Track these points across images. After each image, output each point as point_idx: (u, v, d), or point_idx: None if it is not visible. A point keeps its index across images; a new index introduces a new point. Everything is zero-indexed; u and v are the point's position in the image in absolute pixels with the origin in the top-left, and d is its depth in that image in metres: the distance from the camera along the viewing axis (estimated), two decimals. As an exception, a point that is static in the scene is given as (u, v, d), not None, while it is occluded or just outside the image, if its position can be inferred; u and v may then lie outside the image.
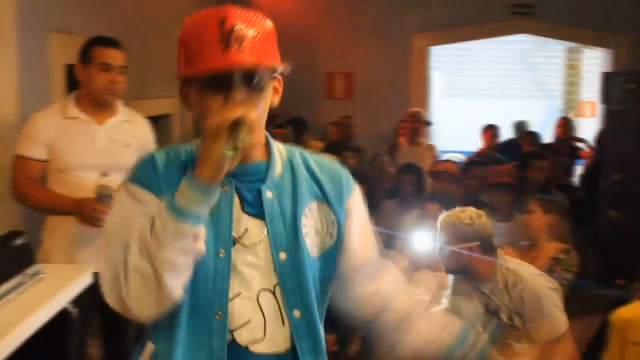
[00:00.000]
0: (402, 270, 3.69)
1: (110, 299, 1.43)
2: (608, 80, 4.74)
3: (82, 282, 2.55)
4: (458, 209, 3.27)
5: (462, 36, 8.17)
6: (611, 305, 3.57)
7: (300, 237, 1.52)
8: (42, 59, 3.66)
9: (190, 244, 1.37)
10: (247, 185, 1.53)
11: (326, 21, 7.44)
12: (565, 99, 12.50)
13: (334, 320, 3.41)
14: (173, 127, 5.74)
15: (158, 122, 5.58)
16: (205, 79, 1.41)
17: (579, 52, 12.27)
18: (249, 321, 1.51)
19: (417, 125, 6.32)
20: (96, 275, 2.73)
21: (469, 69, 12.67)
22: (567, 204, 5.04)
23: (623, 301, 3.60)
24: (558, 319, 3.14)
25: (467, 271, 3.20)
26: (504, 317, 3.12)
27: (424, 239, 3.75)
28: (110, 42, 3.12)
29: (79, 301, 2.54)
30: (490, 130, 7.17)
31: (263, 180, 1.53)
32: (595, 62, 11.00)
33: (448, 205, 3.93)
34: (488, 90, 12.72)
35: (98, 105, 3.12)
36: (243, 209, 1.52)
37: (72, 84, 3.31)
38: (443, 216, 3.26)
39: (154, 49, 5.26)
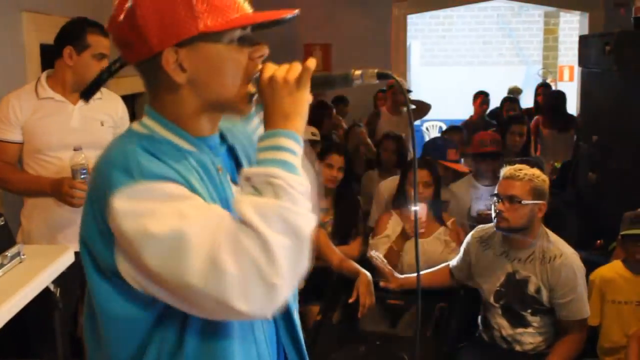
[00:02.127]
0: (388, 238, 3.72)
1: (252, 296, 1.14)
2: (585, 42, 4.76)
3: (64, 261, 2.55)
4: (523, 165, 3.21)
5: (439, 3, 8.16)
6: (591, 266, 3.62)
7: None
8: (16, 38, 3.61)
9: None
10: (222, 157, 1.41)
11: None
12: (544, 63, 12.55)
13: (317, 292, 3.46)
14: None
15: (136, 100, 5.55)
16: (244, 32, 1.29)
17: (556, 17, 12.29)
18: None
19: (398, 94, 6.32)
20: (77, 255, 2.73)
21: (447, 36, 12.69)
22: (544, 166, 5.11)
23: (602, 261, 3.66)
24: (585, 302, 3.17)
25: (525, 230, 3.13)
26: (531, 288, 3.12)
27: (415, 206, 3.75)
28: (103, 30, 3.05)
29: (61, 280, 2.55)
30: (480, 97, 7.22)
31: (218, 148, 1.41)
32: (572, 25, 11.05)
33: (436, 172, 3.94)
34: (467, 58, 12.75)
35: (75, 87, 3.09)
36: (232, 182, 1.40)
37: (47, 63, 3.25)
38: (514, 168, 3.16)
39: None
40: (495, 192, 3.16)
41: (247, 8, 1.30)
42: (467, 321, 3.39)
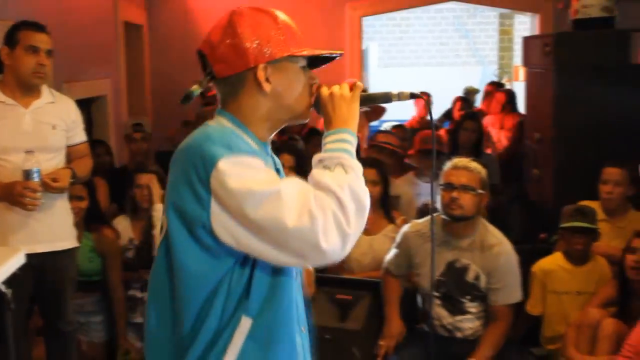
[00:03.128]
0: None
1: (331, 240, 1.46)
2: (527, 44, 4.93)
3: (14, 263, 2.60)
4: (468, 159, 3.38)
5: (393, 4, 8.27)
6: (535, 258, 3.77)
7: None
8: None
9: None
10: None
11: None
12: (500, 63, 12.77)
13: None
14: (107, 108, 5.73)
15: (92, 104, 5.58)
16: (312, 58, 1.70)
17: (511, 18, 12.51)
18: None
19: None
20: (30, 257, 2.79)
21: (404, 38, 12.84)
22: (497, 163, 5.26)
23: (545, 253, 3.81)
24: (517, 288, 3.31)
25: (472, 218, 3.27)
26: (470, 275, 3.26)
27: None
28: (36, 26, 3.15)
29: (12, 282, 2.60)
30: (425, 96, 7.32)
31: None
32: (526, 26, 11.27)
33: (383, 170, 4.06)
34: (424, 59, 12.92)
35: (23, 89, 3.15)
36: None
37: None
38: (462, 160, 3.34)
39: (86, 32, 5.25)
40: (445, 181, 3.27)
41: (307, 44, 1.69)
42: (407, 314, 3.48)
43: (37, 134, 3.14)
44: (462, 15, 12.76)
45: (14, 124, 3.11)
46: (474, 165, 3.30)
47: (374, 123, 7.55)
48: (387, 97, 1.77)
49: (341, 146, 1.60)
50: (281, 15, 1.68)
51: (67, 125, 3.26)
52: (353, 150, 1.62)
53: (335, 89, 1.69)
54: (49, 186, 3.08)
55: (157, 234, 3.81)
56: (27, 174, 3.00)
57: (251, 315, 1.57)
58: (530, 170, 4.72)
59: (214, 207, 1.50)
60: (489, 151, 5.82)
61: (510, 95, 6.63)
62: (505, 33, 12.73)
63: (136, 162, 4.74)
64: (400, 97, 1.76)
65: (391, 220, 3.96)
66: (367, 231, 3.85)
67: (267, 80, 1.63)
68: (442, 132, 5.93)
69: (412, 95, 1.74)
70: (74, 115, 3.31)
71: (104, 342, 3.93)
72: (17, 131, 3.10)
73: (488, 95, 7.22)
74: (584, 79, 4.22)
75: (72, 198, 3.48)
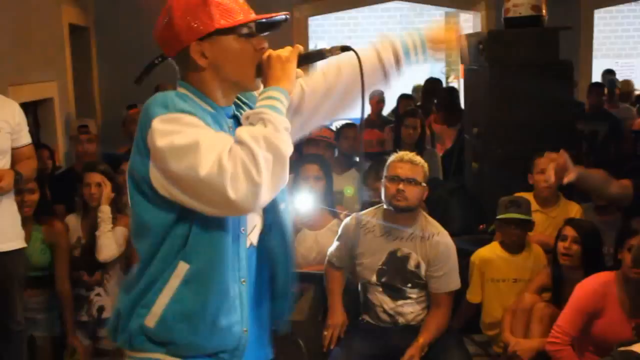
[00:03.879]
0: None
1: (241, 189, 1.57)
2: (463, 41, 5.07)
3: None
4: (412, 153, 3.50)
5: (338, 5, 8.40)
6: (475, 248, 3.91)
7: None
8: None
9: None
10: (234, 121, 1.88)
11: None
12: (447, 61, 12.96)
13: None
14: (54, 110, 5.73)
15: (39, 107, 5.58)
16: (250, 29, 1.78)
17: (456, 17, 12.73)
18: (255, 225, 1.88)
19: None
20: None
21: (353, 37, 12.96)
22: (437, 157, 5.42)
23: (484, 244, 3.95)
24: (456, 275, 3.44)
25: (415, 210, 3.40)
26: (411, 264, 3.37)
27: (303, 200, 3.94)
28: None
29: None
30: (375, 96, 7.48)
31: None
32: (470, 24, 11.50)
33: (326, 167, 4.17)
34: (373, 57, 13.06)
35: None
36: None
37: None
38: (408, 153, 3.44)
39: (31, 35, 5.24)
40: (391, 174, 3.38)
41: (251, 12, 1.79)
42: (350, 307, 3.57)
43: (-18, 137, 3.18)
44: (409, 14, 12.94)
45: (-42, 127, 3.14)
46: (418, 159, 3.42)
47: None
48: (321, 54, 1.87)
49: (267, 103, 1.70)
50: None
51: (11, 128, 3.30)
52: (280, 105, 1.70)
53: (274, 52, 1.78)
54: None
55: (100, 234, 3.85)
56: None
57: (188, 261, 1.72)
58: (469, 163, 4.87)
59: (151, 163, 1.67)
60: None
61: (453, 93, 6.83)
62: (451, 31, 12.94)
63: (83, 163, 4.76)
64: (332, 52, 1.85)
65: (335, 215, 4.06)
66: (312, 226, 3.95)
67: (204, 55, 1.75)
68: (386, 130, 6.06)
69: (343, 49, 1.83)
70: (18, 117, 3.35)
71: (52, 339, 3.94)
72: (-39, 135, 3.14)
73: (427, 92, 7.41)
74: (515, 75, 4.38)
75: (24, 191, 3.53)
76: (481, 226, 4.41)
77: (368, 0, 8.59)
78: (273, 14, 1.82)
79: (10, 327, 3.36)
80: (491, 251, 3.84)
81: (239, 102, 1.93)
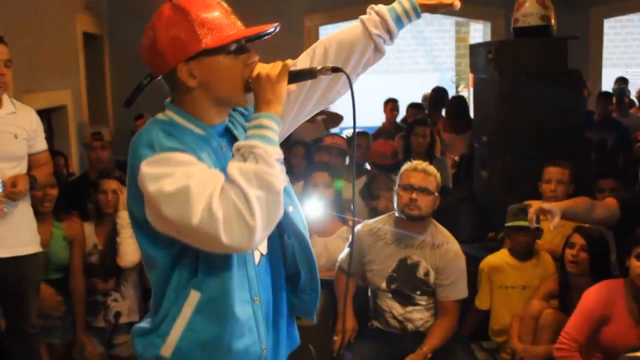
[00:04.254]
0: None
1: (235, 234, 1.55)
2: (474, 51, 5.12)
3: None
4: (425, 162, 3.54)
5: (350, 14, 8.44)
6: (483, 256, 3.94)
7: None
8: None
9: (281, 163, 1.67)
10: (227, 138, 1.85)
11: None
12: (457, 70, 13.03)
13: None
14: (68, 118, 5.80)
15: (52, 114, 5.64)
16: (239, 44, 1.73)
17: (467, 25, 12.77)
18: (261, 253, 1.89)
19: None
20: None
21: (363, 46, 13.02)
22: (447, 166, 5.46)
23: (493, 251, 3.98)
24: (464, 284, 3.49)
25: (427, 218, 3.45)
26: (421, 271, 3.42)
27: (313, 206, 3.99)
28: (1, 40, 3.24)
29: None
30: (390, 104, 7.56)
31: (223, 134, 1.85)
32: (481, 34, 11.54)
33: (335, 173, 4.22)
34: (383, 66, 13.09)
35: None
36: None
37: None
38: (421, 163, 3.49)
39: (46, 43, 5.31)
40: (404, 183, 3.42)
41: (240, 26, 1.75)
42: (360, 313, 3.63)
43: (0, 143, 3.24)
44: (419, 23, 12.93)
45: (-24, 134, 3.21)
46: (431, 168, 3.47)
47: (335, 130, 7.74)
48: (312, 72, 1.79)
49: (258, 132, 1.65)
50: (198, 8, 1.71)
51: (28, 135, 3.35)
52: (272, 134, 1.66)
53: (263, 69, 1.72)
54: (8, 192, 3.18)
55: (122, 241, 3.90)
56: None
57: (199, 289, 1.73)
58: (478, 172, 4.91)
59: (146, 204, 1.66)
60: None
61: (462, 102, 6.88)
62: (461, 40, 12.99)
63: (97, 170, 4.82)
64: (323, 71, 1.77)
65: (345, 222, 4.10)
66: (322, 233, 4.00)
67: (192, 75, 1.71)
68: (395, 139, 6.10)
69: (334, 69, 1.77)
70: (35, 124, 3.40)
71: (68, 344, 3.98)
72: (-21, 141, 3.20)
73: (435, 101, 7.46)
74: (524, 84, 4.42)
75: (45, 185, 3.61)
76: (490, 234, 4.44)
77: (379, 9, 8.62)
78: (262, 27, 1.75)
79: (25, 330, 3.41)
80: (500, 258, 3.87)
81: (232, 111, 1.90)
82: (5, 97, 3.34)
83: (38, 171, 3.39)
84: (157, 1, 1.81)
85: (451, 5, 1.98)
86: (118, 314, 3.92)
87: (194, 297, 1.73)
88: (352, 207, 2.03)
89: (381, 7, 1.96)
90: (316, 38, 7.96)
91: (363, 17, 1.96)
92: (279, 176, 1.62)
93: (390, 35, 1.97)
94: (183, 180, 1.59)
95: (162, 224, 1.65)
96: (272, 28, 1.76)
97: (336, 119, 6.98)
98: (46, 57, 5.27)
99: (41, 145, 3.47)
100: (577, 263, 3.46)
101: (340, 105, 9.49)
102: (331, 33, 1.98)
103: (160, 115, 1.79)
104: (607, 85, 8.66)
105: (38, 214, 3.60)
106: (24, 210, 3.35)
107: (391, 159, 4.92)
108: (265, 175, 1.59)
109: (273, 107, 1.70)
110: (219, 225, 1.55)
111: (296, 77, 1.80)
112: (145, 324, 1.83)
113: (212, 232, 1.55)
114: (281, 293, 1.96)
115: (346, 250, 3.62)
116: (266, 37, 1.80)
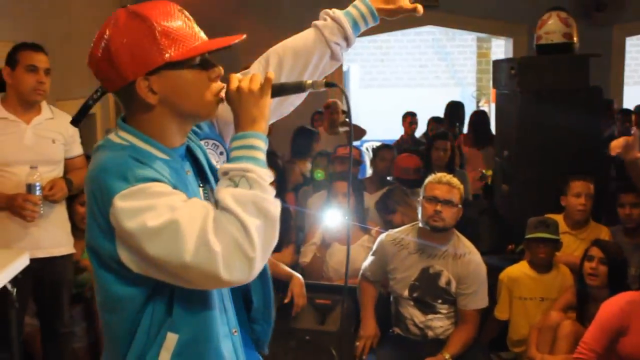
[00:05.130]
0: (315, 245, 4.05)
1: (234, 268, 1.42)
2: (497, 67, 5.21)
3: (20, 264, 2.82)
4: (449, 175, 3.63)
5: (373, 28, 8.54)
6: (503, 268, 4.02)
7: None
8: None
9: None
10: (189, 162, 1.68)
11: (241, 15, 7.63)
12: (478, 85, 13.08)
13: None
14: (96, 126, 5.95)
15: (81, 122, 5.78)
16: (203, 57, 1.56)
17: (488, 41, 12.83)
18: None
19: (334, 115, 6.66)
20: (31, 261, 3.01)
21: (385, 60, 13.13)
22: (467, 179, 5.53)
23: (512, 263, 4.06)
24: (485, 294, 3.58)
25: (448, 230, 3.53)
26: (442, 281, 3.51)
27: (334, 215, 4.09)
28: (34, 47, 3.39)
29: (16, 281, 2.82)
30: (408, 117, 7.65)
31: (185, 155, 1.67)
32: (503, 49, 11.61)
33: (355, 183, 4.32)
34: (404, 80, 13.20)
35: (24, 105, 3.38)
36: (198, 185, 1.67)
37: (1, 86, 3.53)
38: (445, 175, 3.58)
39: (75, 52, 5.45)
40: (429, 195, 3.51)
41: (203, 36, 1.58)
42: (382, 319, 3.71)
43: (38, 147, 3.37)
44: (441, 38, 13.08)
45: (17, 138, 3.33)
46: (455, 181, 3.56)
47: (356, 142, 7.84)
48: (300, 86, 1.67)
49: (247, 153, 1.51)
50: (160, 16, 1.53)
51: (65, 140, 3.49)
52: (262, 155, 1.53)
53: (244, 83, 1.57)
54: (46, 194, 3.31)
55: None
56: (30, 188, 3.24)
57: (176, 331, 1.54)
58: (499, 185, 4.98)
59: (118, 242, 1.47)
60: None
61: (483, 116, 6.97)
62: (482, 56, 13.05)
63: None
64: (314, 85, 1.65)
65: (366, 231, 4.19)
66: (343, 241, 4.08)
67: (152, 91, 1.52)
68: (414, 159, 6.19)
69: (327, 84, 1.65)
70: (72, 130, 3.53)
71: (89, 346, 4.04)
72: (19, 145, 3.33)
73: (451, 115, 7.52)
74: (546, 100, 4.50)
75: (83, 203, 3.72)
76: (510, 246, 4.52)
77: (400, 24, 8.72)
78: (228, 39, 1.58)
79: (57, 329, 3.52)
80: (519, 270, 3.94)
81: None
82: (44, 104, 3.48)
83: (74, 175, 3.51)
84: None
85: (413, 10, 1.87)
86: None
87: (171, 340, 1.54)
88: (347, 217, 1.99)
89: (337, 13, 1.85)
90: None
91: (317, 22, 1.84)
92: (275, 202, 1.48)
93: (347, 41, 1.85)
94: (168, 213, 1.42)
95: (142, 264, 1.47)
96: (236, 40, 1.58)
97: (359, 132, 7.10)
98: (76, 66, 5.38)
99: (77, 150, 3.60)
100: (596, 276, 3.52)
101: (366, 115, 9.53)
102: (284, 41, 1.85)
103: (115, 139, 1.58)
104: (629, 103, 8.69)
105: (76, 229, 3.64)
106: (59, 213, 3.48)
107: (414, 175, 5.01)
108: (262, 202, 1.45)
109: (259, 124, 1.55)
110: (217, 260, 1.40)
111: (281, 91, 1.66)
112: None
113: (210, 268, 1.41)
114: (242, 322, 1.78)
115: (370, 258, 3.71)
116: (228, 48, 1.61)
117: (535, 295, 3.87)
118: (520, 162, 4.64)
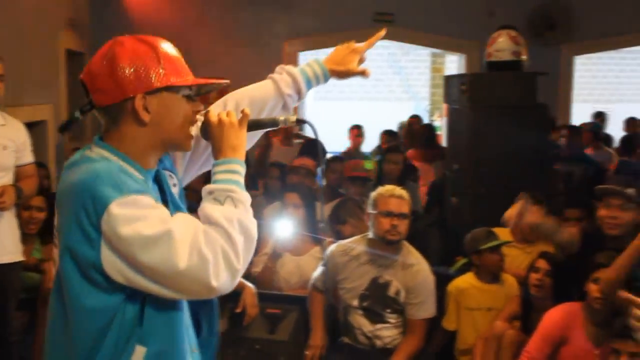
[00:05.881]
0: (266, 255, 4.06)
1: (221, 277, 1.53)
2: (448, 82, 5.32)
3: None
4: (400, 188, 3.67)
5: (328, 42, 8.61)
6: (451, 279, 4.08)
7: None
8: None
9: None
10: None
11: (198, 30, 7.66)
12: (432, 99, 13.28)
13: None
14: (48, 133, 5.88)
15: (32, 129, 5.71)
16: (195, 88, 1.74)
17: (442, 57, 13.05)
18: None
19: (288, 128, 6.67)
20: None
21: (340, 73, 13.20)
22: (418, 191, 5.62)
23: (460, 274, 4.13)
24: (432, 303, 3.65)
25: (400, 242, 3.58)
26: (392, 291, 3.56)
27: (285, 226, 4.11)
28: None
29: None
30: (355, 130, 7.72)
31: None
32: (456, 65, 11.82)
33: (306, 195, 4.34)
34: (359, 93, 13.32)
35: None
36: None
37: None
38: (397, 189, 3.62)
39: (29, 58, 5.41)
40: (383, 209, 3.54)
41: (191, 73, 1.74)
42: (331, 329, 3.74)
43: (-12, 154, 3.35)
44: (397, 53, 13.23)
45: (-33, 145, 3.31)
46: (404, 192, 3.63)
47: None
48: (274, 122, 1.84)
49: (230, 177, 1.65)
50: (163, 45, 1.70)
51: (16, 147, 3.46)
52: (242, 180, 1.67)
53: (223, 116, 1.73)
54: None
55: None
56: None
57: (144, 343, 1.60)
58: (449, 198, 5.07)
59: (104, 249, 1.53)
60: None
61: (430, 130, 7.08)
62: (437, 71, 13.26)
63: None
64: (287, 122, 1.82)
65: (318, 241, 4.21)
66: (294, 252, 4.10)
67: (146, 109, 1.64)
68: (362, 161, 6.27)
69: (299, 121, 1.83)
70: (23, 137, 3.51)
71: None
72: (-31, 152, 3.30)
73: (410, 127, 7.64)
74: (494, 116, 4.61)
75: (32, 208, 3.67)
76: (458, 258, 4.58)
77: (356, 38, 8.79)
78: (217, 80, 1.79)
79: (6, 338, 3.48)
80: (466, 281, 4.00)
81: None
82: (-5, 111, 3.45)
83: (24, 183, 3.48)
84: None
85: (362, 73, 2.12)
86: None
87: (139, 352, 1.60)
88: (320, 225, 2.07)
89: (292, 69, 2.01)
90: (296, 64, 8.12)
91: (274, 75, 2.01)
92: (254, 222, 1.63)
93: (299, 95, 2.02)
94: (160, 223, 1.53)
95: (129, 272, 1.54)
96: (224, 82, 1.81)
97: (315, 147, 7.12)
98: (28, 72, 5.36)
99: (28, 157, 3.58)
100: (541, 287, 3.60)
101: (322, 127, 9.63)
102: (241, 88, 2.00)
103: (91, 154, 1.67)
104: (577, 119, 8.93)
105: (23, 234, 3.60)
106: (8, 220, 3.44)
107: (362, 171, 5.06)
108: (245, 220, 1.60)
109: (239, 152, 1.71)
110: (209, 268, 1.52)
111: (256, 125, 1.83)
112: None
113: (202, 275, 1.52)
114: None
115: (320, 269, 3.75)
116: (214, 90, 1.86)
117: (482, 305, 3.93)
118: (470, 176, 4.73)
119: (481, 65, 7.34)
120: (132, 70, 1.63)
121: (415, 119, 8.15)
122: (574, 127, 7.76)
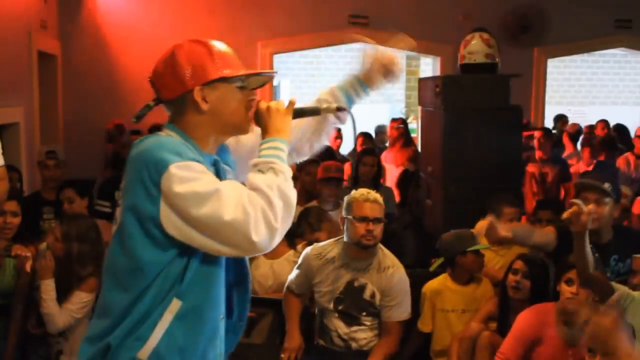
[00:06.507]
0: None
1: (261, 233, 1.76)
2: (422, 84, 5.34)
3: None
4: (373, 191, 3.66)
5: (303, 43, 8.62)
6: (426, 280, 4.09)
7: None
8: None
9: None
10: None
11: (171, 32, 7.61)
12: (407, 102, 13.30)
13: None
14: (19, 135, 5.81)
15: (3, 131, 5.64)
16: (244, 80, 1.96)
17: (417, 59, 13.09)
18: None
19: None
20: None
21: (315, 75, 13.23)
22: (392, 194, 5.62)
23: (434, 276, 4.13)
24: (408, 306, 3.65)
25: (374, 246, 3.57)
26: (367, 294, 3.55)
27: None
28: None
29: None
30: (335, 132, 7.71)
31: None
32: (430, 67, 11.87)
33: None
34: (335, 96, 13.29)
35: None
36: None
37: None
38: (371, 192, 3.60)
39: (0, 60, 5.34)
40: (358, 214, 3.51)
41: (243, 67, 1.98)
42: (306, 331, 3.74)
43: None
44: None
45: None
46: (378, 196, 3.61)
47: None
48: (316, 110, 2.08)
49: (274, 152, 1.89)
50: (216, 43, 1.97)
51: (-18, 151, 3.39)
52: (284, 156, 1.91)
53: (272, 104, 1.99)
54: None
55: (48, 311, 3.52)
56: None
57: (182, 298, 1.85)
58: (424, 200, 5.08)
59: (163, 205, 1.79)
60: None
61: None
62: (412, 73, 13.28)
63: (49, 188, 4.84)
64: (328, 110, 2.07)
65: (292, 245, 4.19)
66: (268, 255, 4.07)
67: (204, 100, 1.91)
68: (347, 165, 6.26)
69: (339, 109, 2.05)
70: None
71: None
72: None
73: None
74: (468, 118, 4.63)
75: (7, 214, 3.60)
76: (433, 260, 4.59)
77: (331, 40, 8.82)
78: (268, 71, 2.15)
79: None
80: (441, 283, 4.01)
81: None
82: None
83: (-6, 186, 3.42)
84: None
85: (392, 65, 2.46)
86: (59, 353, 3.63)
87: (175, 304, 1.85)
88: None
89: (335, 90, 2.27)
90: (270, 65, 8.11)
91: (324, 100, 2.23)
92: (294, 190, 1.86)
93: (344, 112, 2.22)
94: (212, 184, 1.79)
95: (183, 223, 1.78)
96: (274, 74, 2.23)
97: None
98: (-1, 74, 5.30)
99: (-1, 160, 3.51)
100: (519, 289, 3.61)
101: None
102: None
103: (163, 134, 1.95)
104: (550, 122, 9.01)
105: None
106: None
107: (335, 172, 5.05)
108: (284, 187, 1.83)
109: (283, 133, 1.95)
110: (250, 222, 1.74)
111: (300, 113, 2.06)
112: (98, 329, 1.89)
113: (244, 227, 1.75)
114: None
115: (295, 272, 3.73)
116: (265, 83, 2.10)
117: (457, 307, 3.95)
118: (444, 178, 4.75)
119: (455, 67, 7.41)
120: (190, 66, 1.90)
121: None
122: (547, 128, 7.83)
